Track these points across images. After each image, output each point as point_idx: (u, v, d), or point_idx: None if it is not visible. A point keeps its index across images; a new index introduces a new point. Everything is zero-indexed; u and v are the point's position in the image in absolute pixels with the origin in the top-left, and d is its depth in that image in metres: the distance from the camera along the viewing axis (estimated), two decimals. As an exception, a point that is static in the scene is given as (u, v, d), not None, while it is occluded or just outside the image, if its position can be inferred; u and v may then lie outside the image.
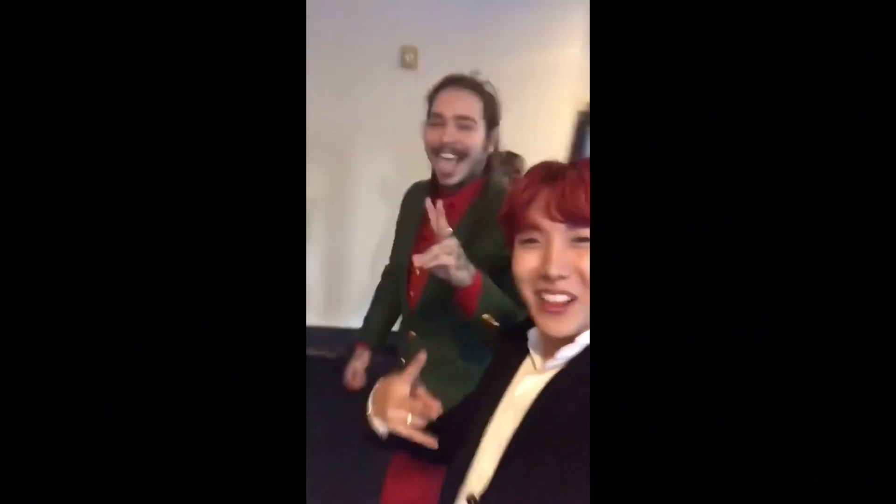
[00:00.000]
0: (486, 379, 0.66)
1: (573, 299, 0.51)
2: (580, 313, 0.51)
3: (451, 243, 0.75)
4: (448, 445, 0.62)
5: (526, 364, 0.61)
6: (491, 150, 0.95)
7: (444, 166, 0.91)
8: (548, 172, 0.52)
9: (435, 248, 0.74)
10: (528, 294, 0.53)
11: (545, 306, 0.51)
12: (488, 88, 0.94)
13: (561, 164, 0.53)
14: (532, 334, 0.61)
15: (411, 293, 1.01)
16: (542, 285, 0.51)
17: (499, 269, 0.75)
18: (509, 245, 0.57)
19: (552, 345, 0.55)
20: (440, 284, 0.81)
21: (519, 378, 0.60)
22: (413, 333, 1.02)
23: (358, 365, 1.19)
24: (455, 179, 0.92)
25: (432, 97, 0.94)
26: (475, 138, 0.90)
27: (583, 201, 0.49)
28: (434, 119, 0.92)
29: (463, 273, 0.75)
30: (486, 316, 0.79)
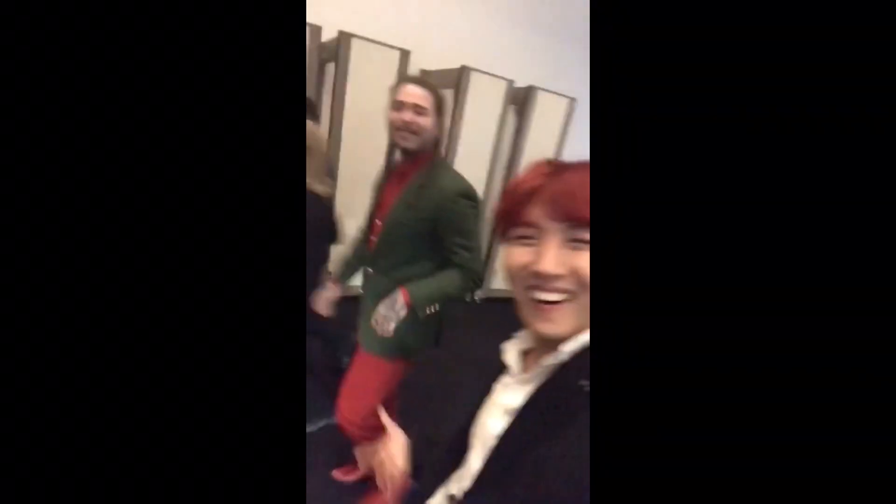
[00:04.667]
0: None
1: (568, 299, 0.49)
2: (575, 315, 0.49)
3: (388, 327, 1.17)
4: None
5: (504, 378, 0.61)
6: (437, 132, 1.25)
7: (401, 140, 1.22)
8: (552, 170, 0.51)
9: (378, 324, 1.18)
10: (518, 291, 0.52)
11: (537, 305, 0.50)
12: (438, 88, 1.24)
13: (566, 162, 0.52)
14: (509, 346, 0.60)
15: (372, 239, 1.34)
16: (535, 282, 0.49)
17: (443, 220, 1.17)
18: (501, 238, 0.56)
19: (534, 354, 0.55)
20: (391, 233, 1.25)
21: (499, 387, 0.60)
22: (370, 270, 1.35)
23: (328, 295, 1.47)
24: (410, 146, 1.21)
25: (396, 89, 1.22)
26: (427, 121, 1.20)
27: (586, 204, 0.47)
28: (397, 105, 1.20)
29: (392, 314, 1.17)
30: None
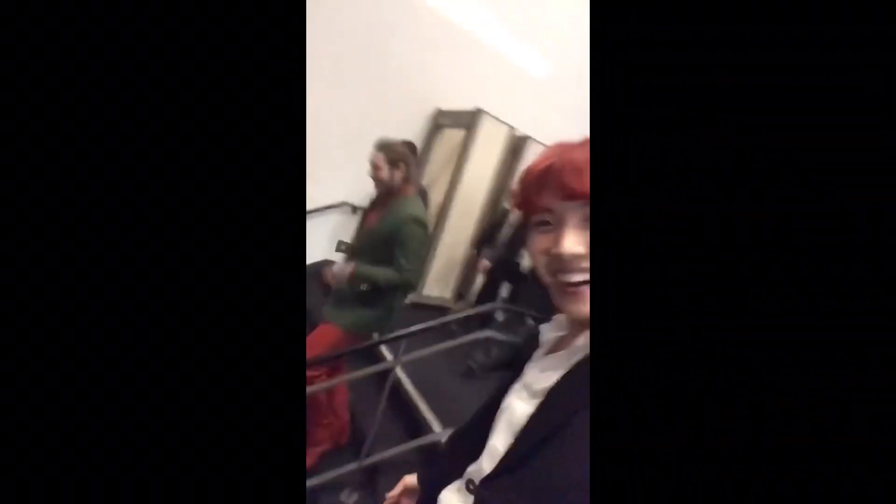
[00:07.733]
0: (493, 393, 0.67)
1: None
2: None
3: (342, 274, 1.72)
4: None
5: (537, 359, 0.61)
6: (396, 181, 1.76)
7: (375, 186, 1.82)
8: (559, 151, 0.51)
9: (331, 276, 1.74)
10: (547, 277, 0.52)
11: (564, 288, 0.50)
12: (393, 146, 1.77)
13: (572, 142, 0.52)
14: (546, 328, 0.61)
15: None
16: (558, 265, 0.49)
17: (395, 239, 1.68)
18: (527, 228, 0.57)
19: (568, 338, 0.55)
20: (363, 244, 1.84)
21: (530, 369, 0.60)
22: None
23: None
24: (377, 189, 1.82)
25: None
26: (381, 174, 1.75)
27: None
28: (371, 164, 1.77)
29: (340, 272, 1.71)
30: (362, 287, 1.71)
